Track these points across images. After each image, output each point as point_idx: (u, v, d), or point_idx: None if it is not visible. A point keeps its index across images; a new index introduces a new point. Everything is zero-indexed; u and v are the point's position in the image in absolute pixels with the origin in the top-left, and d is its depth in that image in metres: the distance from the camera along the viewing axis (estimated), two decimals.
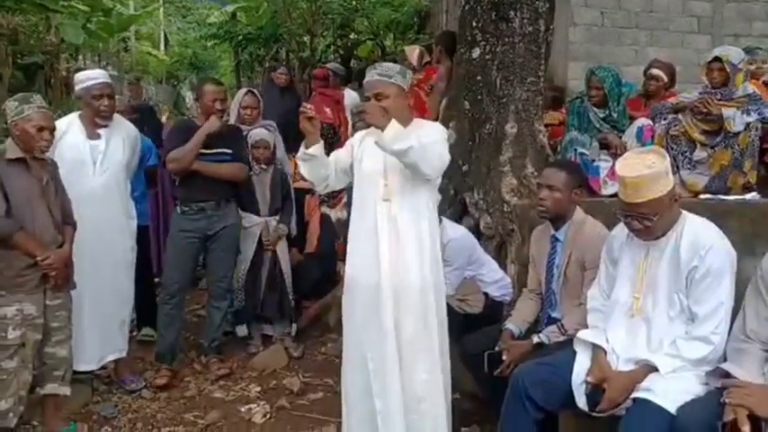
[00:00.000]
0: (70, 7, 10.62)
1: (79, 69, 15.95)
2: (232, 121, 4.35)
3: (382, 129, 2.40)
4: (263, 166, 4.12)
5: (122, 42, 16.38)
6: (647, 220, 2.17)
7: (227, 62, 17.33)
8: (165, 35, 20.60)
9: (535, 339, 2.65)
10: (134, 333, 4.23)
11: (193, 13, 19.92)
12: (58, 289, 2.95)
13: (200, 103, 3.81)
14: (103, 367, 3.64)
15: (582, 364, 2.30)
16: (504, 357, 2.61)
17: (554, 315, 2.77)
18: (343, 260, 4.82)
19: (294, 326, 4.24)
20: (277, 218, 4.16)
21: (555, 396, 2.31)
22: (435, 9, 10.16)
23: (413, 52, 5.60)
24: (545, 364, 2.37)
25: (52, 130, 2.94)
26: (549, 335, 2.64)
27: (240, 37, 12.79)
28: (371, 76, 2.65)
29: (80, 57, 15.09)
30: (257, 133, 4.12)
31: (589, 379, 2.21)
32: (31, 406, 3.12)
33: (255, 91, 4.57)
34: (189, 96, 19.65)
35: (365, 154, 2.71)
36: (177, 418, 3.30)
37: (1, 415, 2.83)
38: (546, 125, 4.30)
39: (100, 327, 3.46)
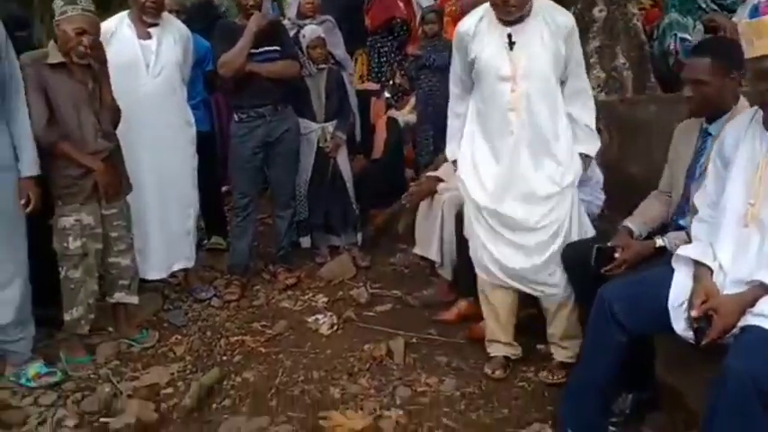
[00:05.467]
0: None
1: None
2: (292, 14, 4.01)
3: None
4: (321, 66, 3.77)
5: None
6: None
7: None
8: None
9: (658, 242, 2.22)
10: (204, 242, 4.17)
11: None
12: (111, 198, 2.83)
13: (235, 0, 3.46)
14: (174, 275, 3.59)
15: (681, 285, 1.94)
16: (616, 255, 2.22)
17: (682, 223, 2.30)
18: (412, 167, 4.62)
19: (360, 235, 4.04)
20: (334, 123, 3.84)
21: (646, 318, 1.98)
22: None
23: None
24: (636, 282, 2.02)
25: (94, 35, 2.70)
26: (674, 241, 2.19)
27: None
28: None
29: None
30: (312, 30, 3.75)
31: (694, 313, 1.83)
32: (105, 313, 3.10)
33: None
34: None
35: (483, 47, 2.43)
36: (245, 327, 3.22)
37: (73, 323, 2.84)
38: (640, 8, 3.69)
39: (165, 235, 3.38)
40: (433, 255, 3.40)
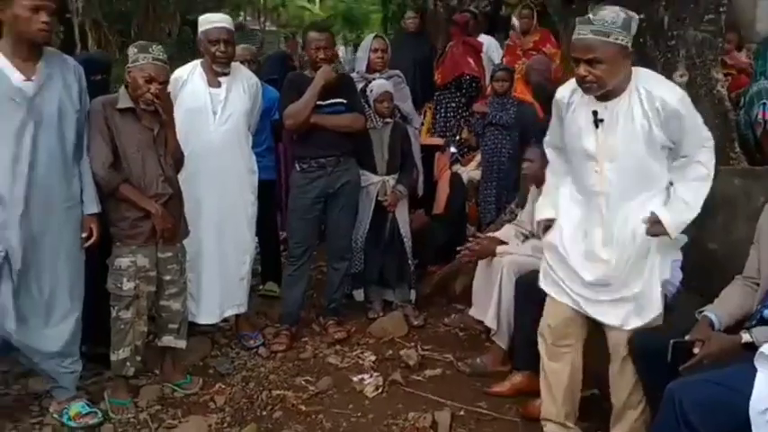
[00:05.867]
0: None
1: (241, 25, 16.60)
2: (361, 68, 4.02)
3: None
4: (386, 120, 3.73)
5: None
6: None
7: (376, 15, 17.10)
8: None
9: (744, 337, 1.96)
10: (259, 287, 4.15)
11: None
12: (167, 241, 2.84)
13: (306, 53, 3.49)
14: (225, 320, 3.56)
15: (764, 387, 1.70)
16: (695, 350, 1.97)
17: None
18: (474, 224, 4.49)
19: (413, 292, 3.90)
20: (395, 177, 3.77)
21: (722, 424, 1.74)
22: None
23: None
24: (713, 382, 1.79)
25: (162, 82, 2.77)
26: (762, 336, 1.93)
27: None
28: (583, 32, 2.13)
29: (241, 12, 15.62)
30: (380, 85, 3.73)
31: None
32: (155, 355, 3.09)
33: (384, 36, 4.17)
34: (342, 50, 19.79)
35: (574, 119, 2.30)
36: (289, 381, 3.13)
37: (119, 363, 2.83)
38: (725, 73, 3.48)
39: (220, 281, 3.37)
40: (489, 320, 3.23)
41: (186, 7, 10.56)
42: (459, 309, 3.89)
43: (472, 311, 3.53)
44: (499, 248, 3.37)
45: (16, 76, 2.42)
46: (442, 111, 4.78)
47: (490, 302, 3.28)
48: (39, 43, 2.45)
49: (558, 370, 2.47)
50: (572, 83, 2.33)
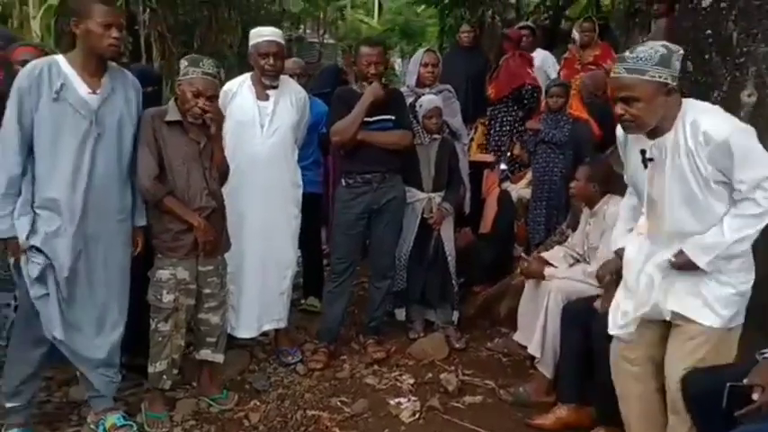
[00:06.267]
0: None
1: (300, 38, 16.84)
2: (411, 82, 3.94)
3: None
4: (434, 136, 3.64)
5: (339, 11, 16.89)
6: None
7: (433, 28, 17.05)
8: (380, 3, 20.90)
9: None
10: (301, 301, 4.11)
11: None
12: (208, 255, 2.82)
13: (357, 67, 3.42)
14: (265, 334, 3.53)
15: None
16: (754, 395, 1.82)
17: None
18: (523, 244, 4.33)
19: (456, 313, 3.77)
20: (441, 194, 3.66)
21: None
22: None
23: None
24: None
25: (210, 97, 2.76)
26: None
27: (446, 0, 12.34)
28: (618, 70, 2.04)
29: (301, 25, 15.86)
30: (429, 100, 3.64)
31: None
32: (193, 367, 3.08)
33: (435, 50, 4.08)
34: (398, 63, 19.84)
35: (629, 158, 2.27)
36: (324, 401, 3.07)
37: (156, 376, 2.82)
38: None
39: (260, 295, 3.34)
40: (534, 347, 3.09)
41: (248, 20, 10.80)
42: (503, 332, 3.75)
43: (517, 336, 3.40)
44: (547, 271, 3.22)
45: (83, 89, 2.46)
46: (497, 126, 4.64)
47: (536, 328, 3.13)
48: (107, 58, 2.50)
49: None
50: None
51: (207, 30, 9.14)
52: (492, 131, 4.78)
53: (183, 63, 2.82)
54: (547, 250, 3.61)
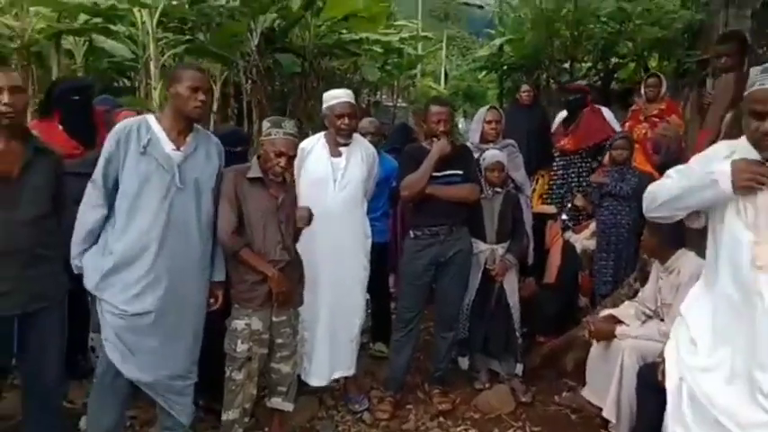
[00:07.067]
0: (371, 51, 11.32)
1: (377, 102, 16.90)
2: (475, 139, 3.55)
3: None
4: (498, 190, 3.20)
5: (410, 79, 16.81)
6: None
7: (493, 91, 16.70)
8: (446, 71, 20.78)
9: None
10: (369, 344, 3.70)
11: (472, 51, 19.83)
12: (282, 306, 2.53)
13: (426, 125, 3.07)
14: (335, 380, 3.13)
15: None
16: None
17: None
18: (587, 295, 3.77)
19: (520, 366, 3.27)
20: (504, 246, 3.23)
21: None
22: (710, 24, 7.97)
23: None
24: None
25: (290, 157, 2.54)
26: None
27: (505, 66, 12.04)
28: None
29: (378, 92, 15.92)
30: (492, 155, 3.26)
31: None
32: (266, 412, 2.73)
33: (497, 107, 3.69)
34: (461, 122, 19.53)
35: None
36: None
37: (228, 424, 2.52)
38: None
39: (331, 342, 3.01)
40: (608, 411, 2.58)
41: (332, 88, 10.91)
42: (570, 385, 3.21)
43: (585, 392, 2.88)
44: (619, 330, 2.70)
45: (168, 146, 2.31)
46: (563, 174, 4.14)
47: (608, 388, 2.63)
48: (193, 118, 2.34)
49: None
50: (722, 148, 1.71)
51: (298, 97, 9.33)
52: (554, 183, 4.29)
53: (266, 124, 2.61)
54: (615, 304, 3.09)
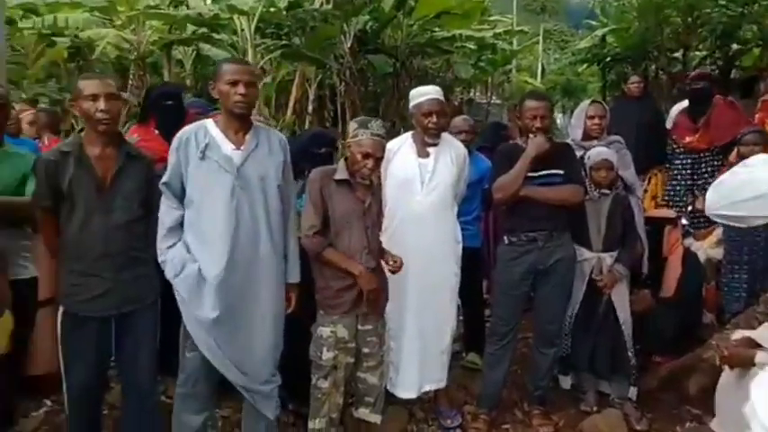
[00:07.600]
0: (463, 48, 11.11)
1: (470, 99, 16.52)
2: (576, 136, 3.23)
3: None
4: (605, 191, 2.86)
5: (505, 75, 16.25)
6: None
7: (594, 85, 15.73)
8: (542, 66, 19.91)
9: None
10: (462, 354, 3.48)
11: (570, 44, 18.86)
12: (372, 305, 2.41)
13: (521, 121, 2.81)
14: (425, 391, 2.96)
15: None
16: None
17: None
18: (713, 311, 3.29)
19: (634, 390, 2.90)
20: (613, 254, 2.88)
21: None
22: None
23: None
24: None
25: (378, 158, 2.41)
26: None
27: (608, 58, 11.26)
28: None
29: (471, 89, 15.54)
30: (598, 153, 2.93)
31: None
32: (354, 423, 2.62)
33: (601, 101, 3.33)
34: (560, 118, 18.61)
35: None
36: None
37: None
38: None
39: (420, 354, 2.85)
40: None
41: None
42: (694, 413, 2.80)
43: (714, 425, 2.49)
44: (759, 356, 2.28)
45: (227, 147, 2.26)
46: (705, 175, 3.69)
47: (742, 424, 2.19)
48: (239, 114, 2.25)
49: None
50: None
51: (390, 98, 9.34)
52: (681, 183, 3.82)
53: (353, 125, 2.50)
54: (749, 324, 2.65)
